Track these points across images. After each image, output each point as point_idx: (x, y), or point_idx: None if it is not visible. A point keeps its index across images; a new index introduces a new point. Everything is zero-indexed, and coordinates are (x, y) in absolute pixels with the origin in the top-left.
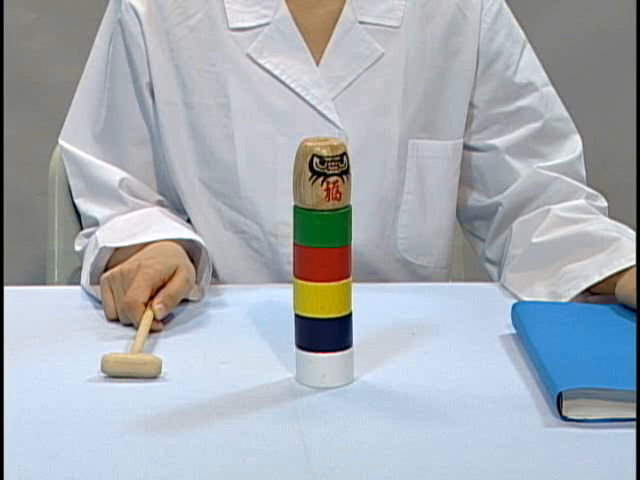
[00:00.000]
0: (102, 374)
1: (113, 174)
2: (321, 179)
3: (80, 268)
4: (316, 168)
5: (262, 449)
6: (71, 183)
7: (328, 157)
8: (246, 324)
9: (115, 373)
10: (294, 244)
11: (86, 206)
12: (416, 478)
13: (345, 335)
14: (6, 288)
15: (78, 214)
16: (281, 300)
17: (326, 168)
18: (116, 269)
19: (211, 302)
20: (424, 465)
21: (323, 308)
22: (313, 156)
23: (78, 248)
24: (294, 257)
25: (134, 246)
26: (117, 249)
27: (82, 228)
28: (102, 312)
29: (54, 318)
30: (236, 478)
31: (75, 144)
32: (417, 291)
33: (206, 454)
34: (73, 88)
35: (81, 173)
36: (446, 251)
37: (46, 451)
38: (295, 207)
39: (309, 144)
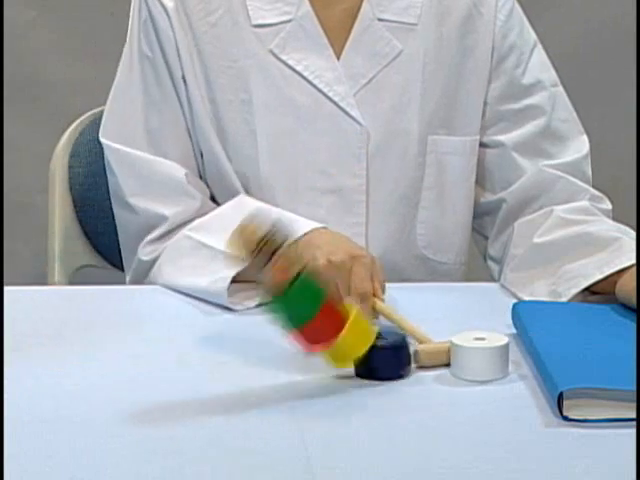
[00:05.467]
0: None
1: (176, 170)
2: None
3: (81, 267)
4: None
5: (262, 449)
6: (122, 182)
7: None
8: (246, 324)
9: (431, 363)
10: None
11: (146, 205)
12: (416, 478)
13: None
14: (6, 288)
15: (78, 214)
16: None
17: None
18: (320, 262)
19: (211, 302)
20: (424, 465)
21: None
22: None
23: (148, 257)
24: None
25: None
26: None
27: (84, 228)
28: (101, 312)
29: (54, 318)
30: (236, 478)
31: (125, 142)
32: (417, 291)
33: (206, 454)
34: (74, 86)
35: (135, 171)
36: (465, 247)
37: (46, 451)
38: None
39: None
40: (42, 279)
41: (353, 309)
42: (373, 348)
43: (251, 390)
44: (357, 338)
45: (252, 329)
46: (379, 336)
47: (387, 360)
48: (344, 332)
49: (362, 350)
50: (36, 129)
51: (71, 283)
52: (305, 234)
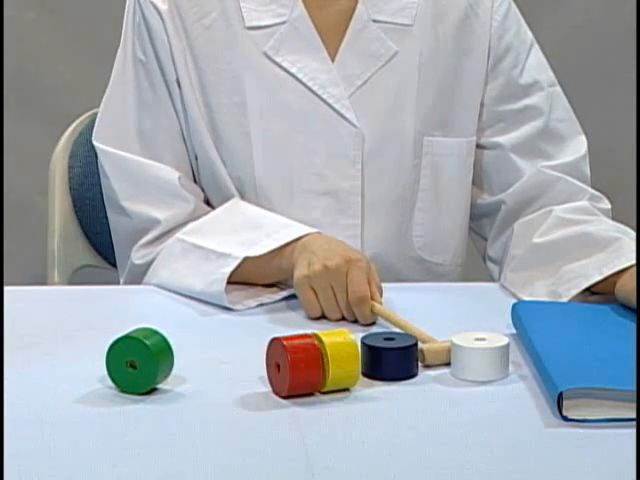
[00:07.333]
0: (104, 375)
1: (169, 173)
2: None
3: (81, 267)
4: None
5: (262, 449)
6: (115, 186)
7: None
8: (246, 324)
9: (436, 362)
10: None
11: (139, 208)
12: (416, 478)
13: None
14: (6, 288)
15: (77, 214)
16: (281, 300)
17: None
18: (316, 267)
19: (211, 302)
20: (424, 465)
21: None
22: None
23: (141, 261)
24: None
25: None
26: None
27: (83, 228)
28: (101, 312)
29: (54, 318)
30: (236, 478)
31: (118, 146)
32: (417, 291)
33: (206, 454)
34: (73, 87)
35: (128, 174)
36: (461, 248)
37: (46, 451)
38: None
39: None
40: (42, 279)
41: (323, 338)
42: (383, 350)
43: (251, 390)
44: (343, 366)
45: (252, 329)
46: (388, 338)
47: (397, 361)
48: (330, 372)
49: (355, 370)
50: (36, 129)
51: (70, 283)
52: (300, 239)
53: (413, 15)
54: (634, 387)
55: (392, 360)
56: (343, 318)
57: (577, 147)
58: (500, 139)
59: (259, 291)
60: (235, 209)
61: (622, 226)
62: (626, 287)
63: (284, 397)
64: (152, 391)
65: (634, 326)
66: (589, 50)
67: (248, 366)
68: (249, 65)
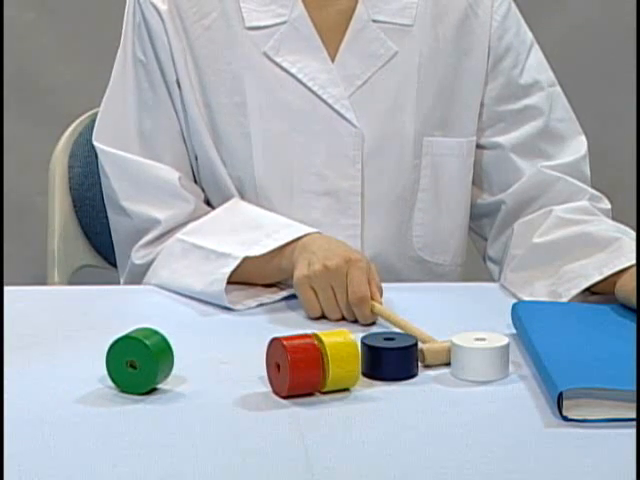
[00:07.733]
0: (104, 374)
1: (170, 173)
2: None
3: (81, 267)
4: None
5: (262, 449)
6: (115, 186)
7: None
8: (246, 324)
9: (436, 362)
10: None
11: (139, 208)
12: (416, 478)
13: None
14: (6, 288)
15: (77, 214)
16: (281, 300)
17: None
18: (316, 267)
19: (211, 302)
20: (424, 465)
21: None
22: None
23: (141, 261)
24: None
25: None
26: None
27: (83, 228)
28: (101, 312)
29: (54, 318)
30: (236, 478)
31: (118, 146)
32: (417, 291)
33: (206, 454)
34: (73, 88)
35: (128, 174)
36: (461, 248)
37: (46, 451)
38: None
39: None
40: (42, 279)
41: (323, 338)
42: (383, 350)
43: (251, 390)
44: (343, 366)
45: (252, 329)
46: (388, 338)
47: (397, 361)
48: (330, 372)
49: (355, 370)
50: (36, 129)
51: (70, 283)
52: (300, 239)
53: (413, 15)
54: (634, 387)
55: (392, 360)
56: (343, 318)
57: (577, 147)
58: (500, 139)
59: (259, 291)
60: (235, 209)
61: (622, 226)
62: (626, 287)
63: (284, 397)
64: (152, 391)
65: (634, 326)
66: (589, 50)
67: (248, 366)
68: (249, 65)
